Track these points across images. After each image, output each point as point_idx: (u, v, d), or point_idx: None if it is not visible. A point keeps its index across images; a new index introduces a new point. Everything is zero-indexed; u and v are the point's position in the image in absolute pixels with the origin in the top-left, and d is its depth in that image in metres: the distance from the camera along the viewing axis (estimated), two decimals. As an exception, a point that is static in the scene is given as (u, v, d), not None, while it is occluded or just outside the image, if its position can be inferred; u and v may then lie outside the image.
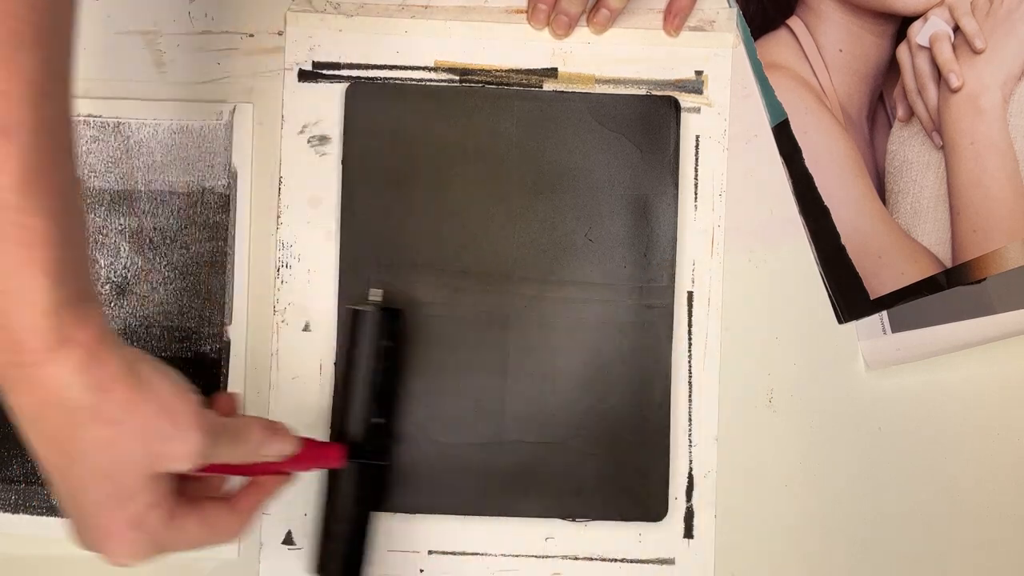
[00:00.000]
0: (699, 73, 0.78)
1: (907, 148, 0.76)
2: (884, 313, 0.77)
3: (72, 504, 0.57)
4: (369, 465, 0.73)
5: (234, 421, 0.63)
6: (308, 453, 0.68)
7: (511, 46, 0.78)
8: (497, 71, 0.78)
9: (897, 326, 0.77)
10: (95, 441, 0.55)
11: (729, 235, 0.78)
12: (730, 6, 0.78)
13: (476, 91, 0.77)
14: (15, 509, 0.77)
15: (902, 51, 0.76)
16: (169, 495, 0.58)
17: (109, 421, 0.55)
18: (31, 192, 0.51)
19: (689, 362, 0.77)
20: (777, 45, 0.78)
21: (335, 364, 0.77)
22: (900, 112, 0.76)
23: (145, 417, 0.56)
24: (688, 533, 0.77)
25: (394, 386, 0.75)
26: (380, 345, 0.73)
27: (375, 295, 0.75)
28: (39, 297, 0.52)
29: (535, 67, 0.78)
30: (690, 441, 0.77)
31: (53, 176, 0.52)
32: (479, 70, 0.78)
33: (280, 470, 0.67)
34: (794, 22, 0.78)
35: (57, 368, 0.53)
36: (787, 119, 0.78)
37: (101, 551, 0.58)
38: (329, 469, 0.73)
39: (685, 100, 0.78)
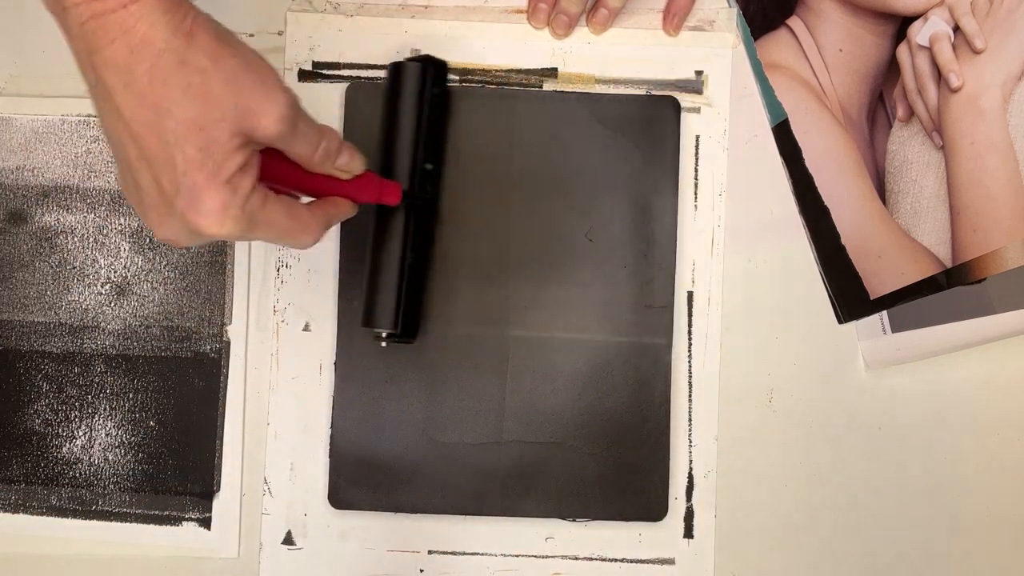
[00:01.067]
0: (699, 73, 0.78)
1: (907, 148, 0.76)
2: (884, 313, 0.77)
3: (162, 167, 0.56)
4: (420, 209, 0.73)
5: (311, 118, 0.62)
6: (371, 183, 0.67)
7: (511, 46, 0.78)
8: (497, 71, 0.78)
9: (897, 326, 0.77)
10: (184, 88, 0.54)
11: (729, 235, 0.78)
12: (730, 6, 0.78)
13: (476, 91, 0.77)
14: (15, 509, 0.77)
15: (902, 51, 0.76)
16: (257, 168, 0.58)
17: (197, 69, 0.55)
18: None
19: (689, 362, 0.77)
20: (777, 45, 0.78)
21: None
22: (900, 112, 0.76)
23: (232, 69, 0.56)
24: (688, 533, 0.77)
25: (444, 134, 0.75)
26: (431, 93, 0.73)
27: (415, 53, 0.76)
28: None
29: (535, 67, 0.78)
30: (690, 441, 0.77)
31: None
32: (479, 70, 0.78)
33: (345, 193, 0.65)
34: (794, 22, 0.78)
35: (141, 7, 0.53)
36: (787, 119, 0.78)
37: (191, 214, 0.56)
38: (378, 214, 0.73)
39: (685, 100, 0.78)
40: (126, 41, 0.54)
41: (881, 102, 0.77)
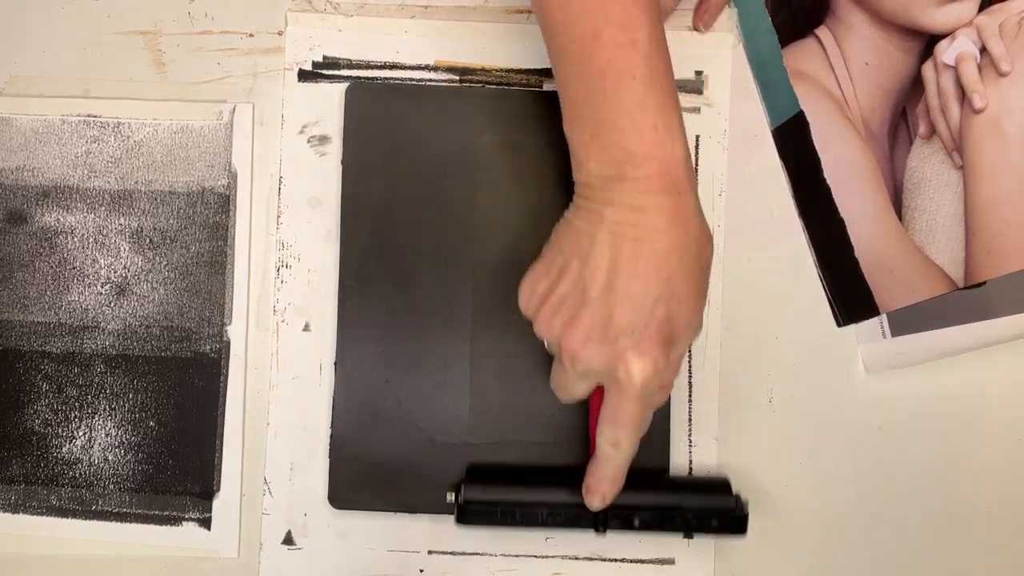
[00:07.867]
0: (699, 73, 0.78)
1: (926, 165, 0.76)
2: (884, 316, 0.77)
3: (627, 306, 0.60)
4: None
5: None
6: None
7: (511, 46, 0.78)
8: (497, 71, 0.78)
9: (897, 330, 0.77)
10: (689, 273, 0.61)
11: (729, 235, 0.78)
12: (731, 6, 0.78)
13: (476, 91, 0.77)
14: (15, 509, 0.77)
15: (927, 68, 0.76)
16: None
17: (706, 276, 0.63)
18: (656, 44, 0.61)
19: (689, 362, 0.77)
20: (803, 54, 0.78)
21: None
22: (922, 129, 0.76)
23: (696, 294, 0.63)
24: (688, 533, 0.77)
25: None
26: None
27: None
28: (680, 144, 0.61)
29: (535, 67, 0.78)
30: (690, 441, 0.77)
31: (660, 31, 0.61)
32: (479, 70, 0.78)
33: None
34: (822, 32, 0.78)
35: (691, 203, 0.61)
36: (790, 119, 0.77)
37: (631, 353, 0.61)
38: None
39: (685, 100, 0.77)
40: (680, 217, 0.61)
41: (903, 118, 0.77)
